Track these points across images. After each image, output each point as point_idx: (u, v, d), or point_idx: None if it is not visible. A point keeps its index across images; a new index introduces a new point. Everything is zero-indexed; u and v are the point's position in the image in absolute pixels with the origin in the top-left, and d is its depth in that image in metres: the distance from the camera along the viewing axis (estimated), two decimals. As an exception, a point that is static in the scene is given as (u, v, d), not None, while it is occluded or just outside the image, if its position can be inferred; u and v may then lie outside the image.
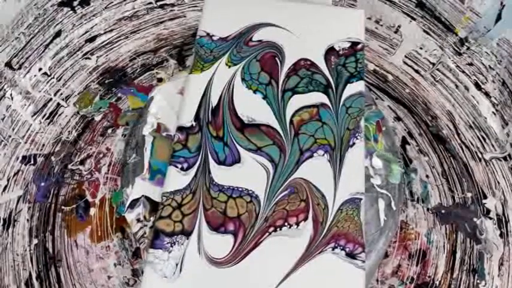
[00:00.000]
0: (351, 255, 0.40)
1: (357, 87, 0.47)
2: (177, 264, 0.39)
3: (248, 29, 0.50)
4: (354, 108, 0.46)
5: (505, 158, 0.52)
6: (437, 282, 0.47)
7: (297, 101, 0.46)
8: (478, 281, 0.47)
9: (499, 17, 0.57)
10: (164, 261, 0.39)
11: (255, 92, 0.46)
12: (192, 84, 0.47)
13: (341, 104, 0.46)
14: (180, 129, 0.45)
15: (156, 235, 0.40)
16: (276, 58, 0.48)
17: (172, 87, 0.50)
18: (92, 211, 0.49)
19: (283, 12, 0.51)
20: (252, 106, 0.46)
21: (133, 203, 0.44)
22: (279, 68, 0.48)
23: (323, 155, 0.44)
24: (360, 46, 0.49)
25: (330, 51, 0.49)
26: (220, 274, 0.39)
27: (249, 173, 0.42)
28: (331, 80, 0.47)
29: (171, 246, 0.40)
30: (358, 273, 0.39)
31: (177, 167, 0.43)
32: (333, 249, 0.40)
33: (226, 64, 0.48)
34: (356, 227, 0.41)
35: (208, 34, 0.50)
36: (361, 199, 0.42)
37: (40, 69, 0.55)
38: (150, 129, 0.47)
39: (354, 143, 0.44)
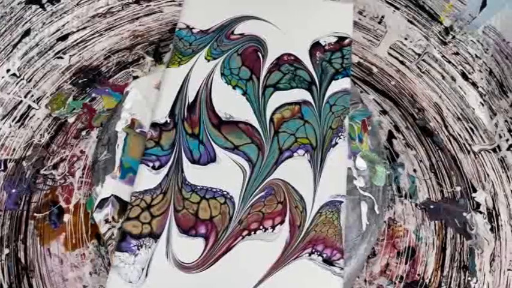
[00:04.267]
0: (329, 262, 0.38)
1: (342, 84, 0.45)
2: (143, 269, 0.37)
3: (230, 22, 0.48)
4: (338, 106, 0.44)
5: (494, 150, 0.51)
6: (427, 281, 0.45)
7: (278, 98, 0.44)
8: (469, 278, 0.45)
9: (484, 4, 0.55)
10: (130, 265, 0.37)
11: (234, 87, 0.45)
12: (169, 78, 0.45)
13: (325, 101, 0.44)
14: (154, 125, 0.43)
15: (123, 237, 0.38)
16: (258, 52, 0.47)
17: (149, 81, 0.48)
18: (66, 217, 0.47)
19: (268, 5, 0.49)
20: (230, 102, 0.44)
21: (102, 203, 0.42)
22: (260, 63, 0.46)
23: (303, 155, 0.42)
24: (347, 41, 0.48)
25: (316, 46, 0.47)
26: (188, 279, 0.37)
27: (225, 173, 0.41)
28: (315, 76, 0.46)
29: (138, 249, 0.38)
30: (336, 280, 0.38)
31: (148, 165, 0.41)
32: (310, 254, 0.38)
33: (206, 58, 0.46)
34: (335, 232, 0.39)
35: (188, 26, 0.48)
36: (341, 202, 0.40)
37: (8, 70, 0.53)
38: (123, 124, 0.45)
39: (336, 143, 0.43)
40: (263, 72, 0.45)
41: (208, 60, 0.46)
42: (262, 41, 0.47)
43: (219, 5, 0.49)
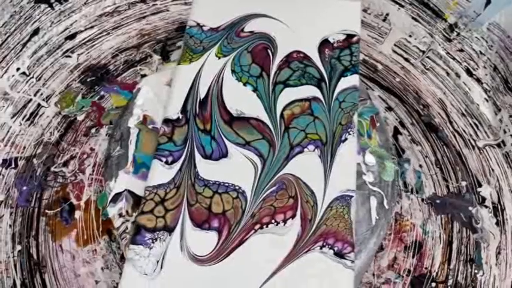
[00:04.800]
0: (340, 255, 0.39)
1: (351, 81, 0.46)
2: (158, 261, 0.38)
3: (240, 20, 0.49)
4: (348, 102, 0.45)
5: (498, 145, 0.52)
6: (434, 274, 0.46)
7: (288, 94, 0.45)
8: (476, 271, 0.46)
9: (488, 1, 0.56)
10: (145, 257, 0.38)
11: (245, 84, 0.45)
12: (180, 75, 0.46)
13: (334, 98, 0.45)
14: (166, 121, 0.43)
15: (137, 230, 0.39)
16: (268, 50, 0.47)
17: (160, 78, 0.48)
18: (77, 214, 0.47)
19: (277, 3, 0.50)
20: (241, 99, 0.45)
21: (116, 197, 0.43)
22: (270, 60, 0.47)
23: (314, 150, 0.42)
24: (355, 39, 0.48)
25: (324, 44, 0.48)
26: (202, 272, 0.38)
27: (236, 168, 0.41)
28: (324, 73, 0.46)
29: (153, 242, 0.38)
30: (347, 273, 0.38)
31: (161, 160, 0.41)
32: (321, 248, 0.39)
33: (216, 55, 0.47)
34: (346, 226, 0.40)
35: (198, 24, 0.48)
36: (351, 196, 0.41)
37: (18, 69, 0.53)
38: (135, 121, 0.46)
39: (346, 139, 0.43)
40: (273, 69, 0.46)
41: (219, 58, 0.46)
42: (272, 38, 0.48)
43: (228, 3, 0.49)
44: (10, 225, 0.46)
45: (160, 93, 0.47)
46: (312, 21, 0.49)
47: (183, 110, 0.44)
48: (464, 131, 0.52)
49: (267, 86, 0.45)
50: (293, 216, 0.40)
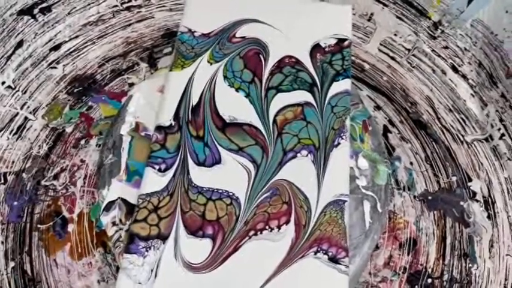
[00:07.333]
0: (334, 260, 0.39)
1: (343, 85, 0.46)
2: (152, 270, 0.38)
3: (231, 25, 0.49)
4: (340, 107, 0.45)
5: (486, 139, 0.52)
6: (429, 270, 0.47)
7: (281, 100, 0.45)
8: (470, 265, 0.47)
9: (471, -2, 0.57)
10: (139, 266, 0.38)
11: (237, 90, 0.45)
12: (172, 82, 0.45)
13: (326, 102, 0.45)
14: (159, 128, 0.43)
15: (131, 239, 0.39)
16: (260, 55, 0.47)
17: (151, 84, 0.48)
18: (70, 227, 0.46)
19: (268, 8, 0.50)
20: (234, 105, 0.44)
21: (109, 206, 0.43)
22: (262, 66, 0.46)
23: (307, 155, 0.43)
24: (346, 43, 0.48)
25: (316, 48, 0.48)
26: (197, 280, 0.38)
27: (230, 175, 0.41)
28: (316, 78, 0.46)
29: (147, 251, 0.38)
30: (342, 278, 0.38)
31: (154, 168, 0.41)
32: (316, 253, 0.39)
33: (208, 61, 0.46)
34: (340, 231, 0.40)
35: (190, 30, 0.48)
36: (345, 201, 0.41)
37: (3, 83, 0.53)
38: (128, 128, 0.46)
39: (339, 143, 0.43)
40: (265, 75, 0.46)
41: (211, 64, 0.46)
42: (264, 43, 0.47)
43: (220, 9, 0.49)
44: (2, 242, 0.46)
45: (152, 100, 0.46)
46: (303, 26, 0.49)
47: (176, 116, 0.43)
48: (452, 126, 0.53)
49: (259, 92, 0.45)
50: (287, 222, 0.40)
